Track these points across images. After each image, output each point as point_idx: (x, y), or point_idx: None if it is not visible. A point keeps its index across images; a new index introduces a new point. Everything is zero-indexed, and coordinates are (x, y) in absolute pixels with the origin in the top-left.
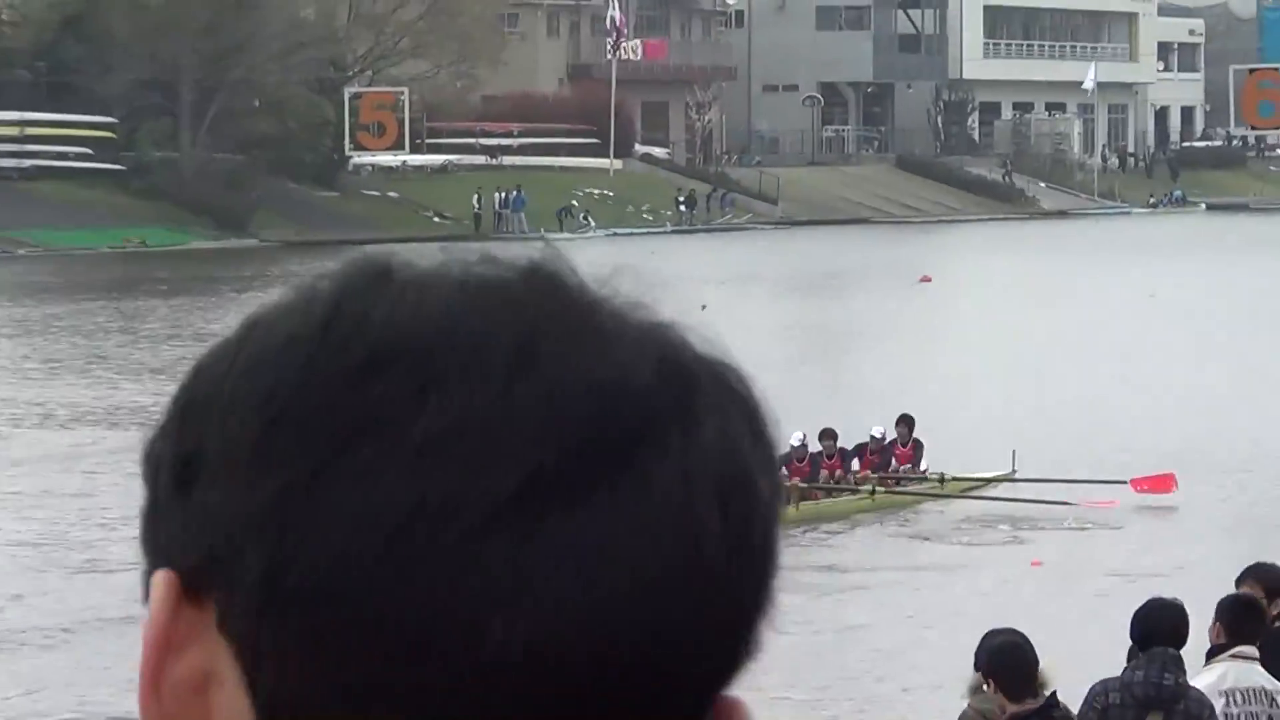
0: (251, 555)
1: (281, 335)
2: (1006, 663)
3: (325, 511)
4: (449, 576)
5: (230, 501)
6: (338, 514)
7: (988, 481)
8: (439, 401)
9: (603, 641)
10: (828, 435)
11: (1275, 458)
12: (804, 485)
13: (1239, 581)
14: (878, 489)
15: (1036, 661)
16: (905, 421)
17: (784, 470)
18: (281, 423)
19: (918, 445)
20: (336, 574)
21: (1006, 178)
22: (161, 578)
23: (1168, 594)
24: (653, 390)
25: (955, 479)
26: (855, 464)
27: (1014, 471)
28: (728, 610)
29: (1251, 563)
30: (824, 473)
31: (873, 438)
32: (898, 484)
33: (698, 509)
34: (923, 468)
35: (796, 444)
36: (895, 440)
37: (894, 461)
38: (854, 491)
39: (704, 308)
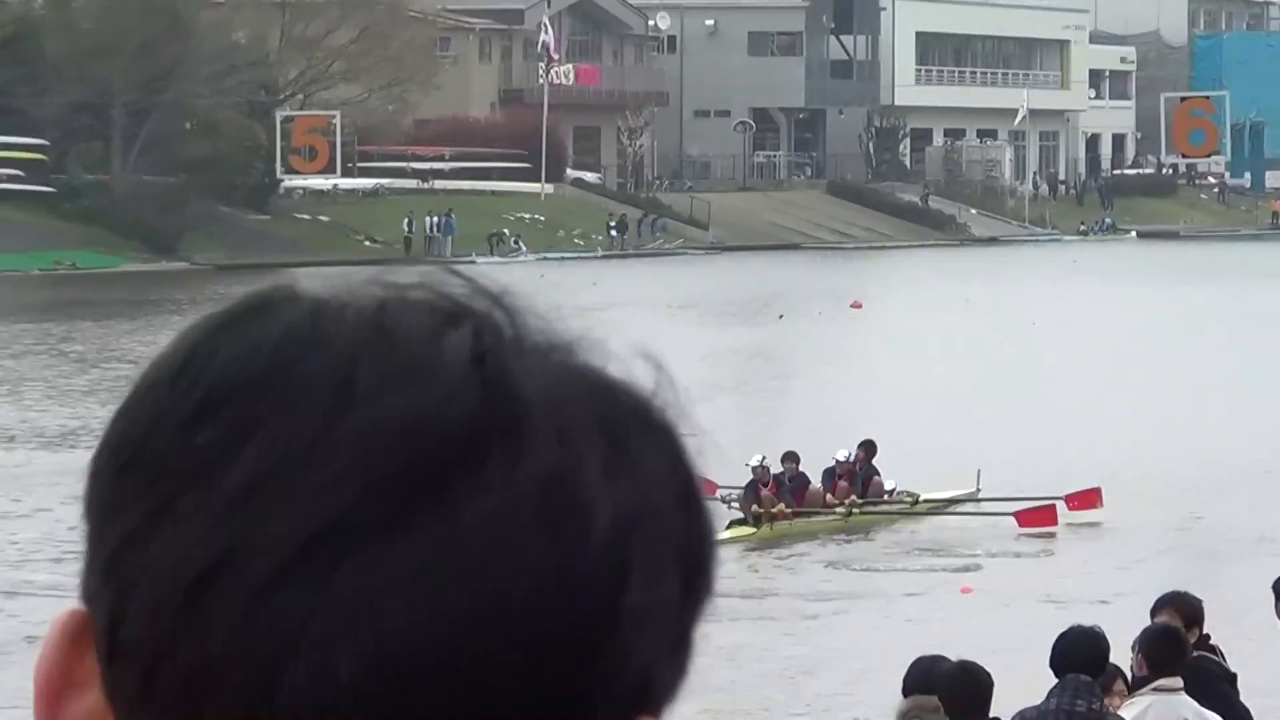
0: (101, 604)
1: (147, 380)
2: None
3: (148, 563)
4: (241, 629)
5: (91, 549)
6: (155, 565)
7: (954, 501)
8: (254, 447)
9: (400, 687)
10: (790, 458)
11: (1204, 483)
12: (790, 510)
13: (1155, 611)
14: (853, 510)
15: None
16: (865, 446)
17: (752, 493)
18: (127, 471)
19: (872, 469)
20: (151, 626)
21: (925, 201)
22: (62, 616)
23: (1108, 620)
24: (471, 423)
25: (926, 500)
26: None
27: (978, 490)
28: (556, 644)
29: (1167, 591)
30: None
31: (838, 461)
32: (864, 506)
33: (510, 543)
34: (889, 487)
35: (756, 464)
36: (855, 463)
37: (861, 484)
38: (828, 513)
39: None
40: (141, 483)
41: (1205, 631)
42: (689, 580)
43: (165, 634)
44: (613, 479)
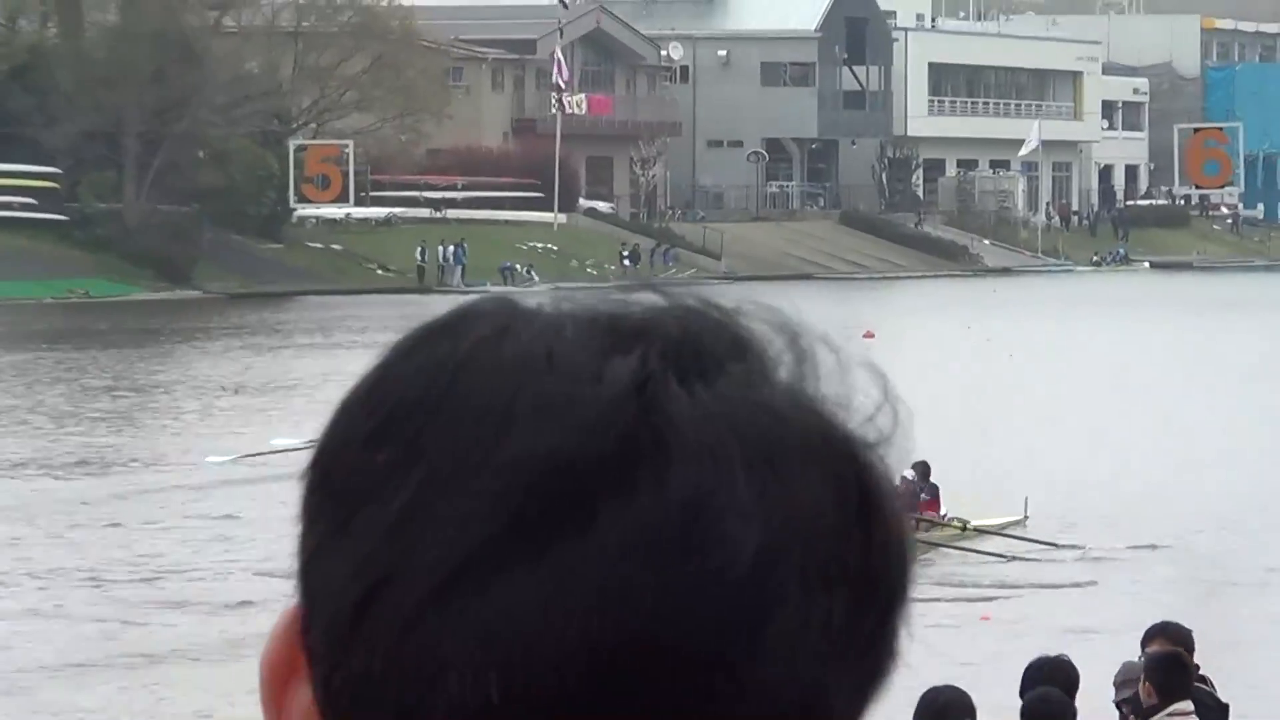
0: (302, 606)
1: (349, 394)
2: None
3: (327, 577)
4: (397, 649)
5: (296, 554)
6: (331, 580)
7: (1002, 528)
8: (418, 471)
9: (544, 707)
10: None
11: (1225, 512)
12: None
13: (1146, 641)
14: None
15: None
16: (919, 467)
17: None
18: (321, 485)
19: (934, 488)
20: (326, 637)
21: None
22: (290, 608)
23: (1118, 650)
24: (619, 452)
25: (975, 527)
26: None
27: (1026, 517)
28: (697, 666)
29: (1157, 622)
30: None
31: (904, 479)
32: (918, 529)
33: (652, 567)
34: (942, 513)
35: None
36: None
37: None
38: None
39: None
40: (329, 498)
41: (1195, 661)
42: (861, 597)
43: (337, 647)
44: (763, 503)
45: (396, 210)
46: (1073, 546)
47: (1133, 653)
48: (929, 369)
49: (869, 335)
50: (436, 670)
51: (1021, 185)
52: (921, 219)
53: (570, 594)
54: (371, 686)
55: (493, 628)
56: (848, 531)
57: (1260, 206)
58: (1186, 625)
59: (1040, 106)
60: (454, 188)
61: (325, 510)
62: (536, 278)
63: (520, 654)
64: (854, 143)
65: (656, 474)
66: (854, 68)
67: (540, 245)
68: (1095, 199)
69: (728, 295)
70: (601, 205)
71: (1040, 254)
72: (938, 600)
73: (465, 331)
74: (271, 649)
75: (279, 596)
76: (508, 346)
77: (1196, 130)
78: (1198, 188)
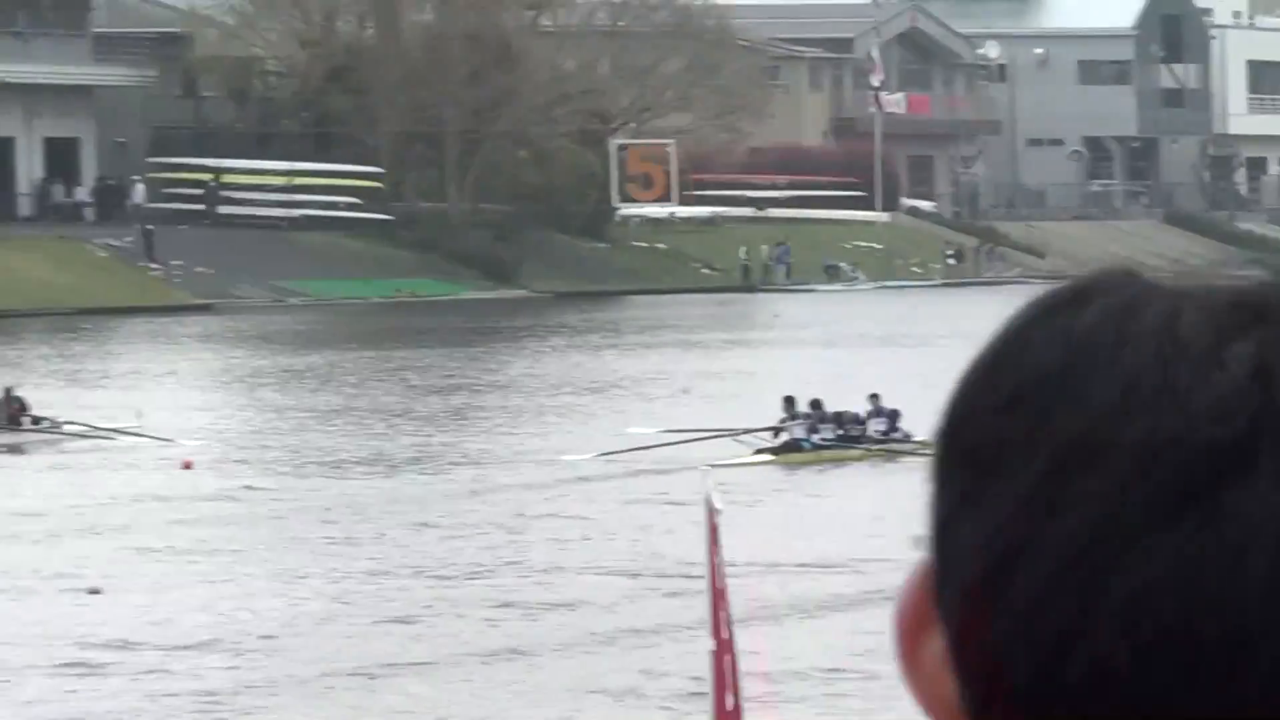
0: (930, 566)
1: (972, 366)
2: None
3: (958, 543)
4: (1025, 620)
5: (928, 515)
6: (962, 547)
7: None
8: (1045, 445)
9: (1173, 683)
10: None
11: None
12: None
13: None
14: None
15: None
16: None
17: None
18: (950, 454)
19: None
20: (957, 603)
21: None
22: (920, 567)
23: None
24: (1241, 439)
25: None
26: None
27: None
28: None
29: None
30: None
31: None
32: None
33: (1262, 556)
34: None
35: None
36: None
37: None
38: None
39: None
40: (959, 465)
41: None
42: None
43: (968, 609)
44: None
45: (719, 209)
46: None
47: None
48: None
49: None
50: (1067, 640)
51: None
52: (1234, 216)
53: (1197, 575)
54: (1003, 650)
55: (1122, 603)
56: None
57: None
58: None
59: None
60: (775, 187)
61: (955, 477)
62: (862, 276)
63: (1151, 629)
64: (1175, 141)
65: (1278, 461)
66: (1172, 65)
67: (864, 244)
68: None
69: None
70: (924, 204)
71: None
72: None
73: (1090, 305)
74: (905, 603)
75: (617, 597)
76: (1131, 325)
77: None
78: None
